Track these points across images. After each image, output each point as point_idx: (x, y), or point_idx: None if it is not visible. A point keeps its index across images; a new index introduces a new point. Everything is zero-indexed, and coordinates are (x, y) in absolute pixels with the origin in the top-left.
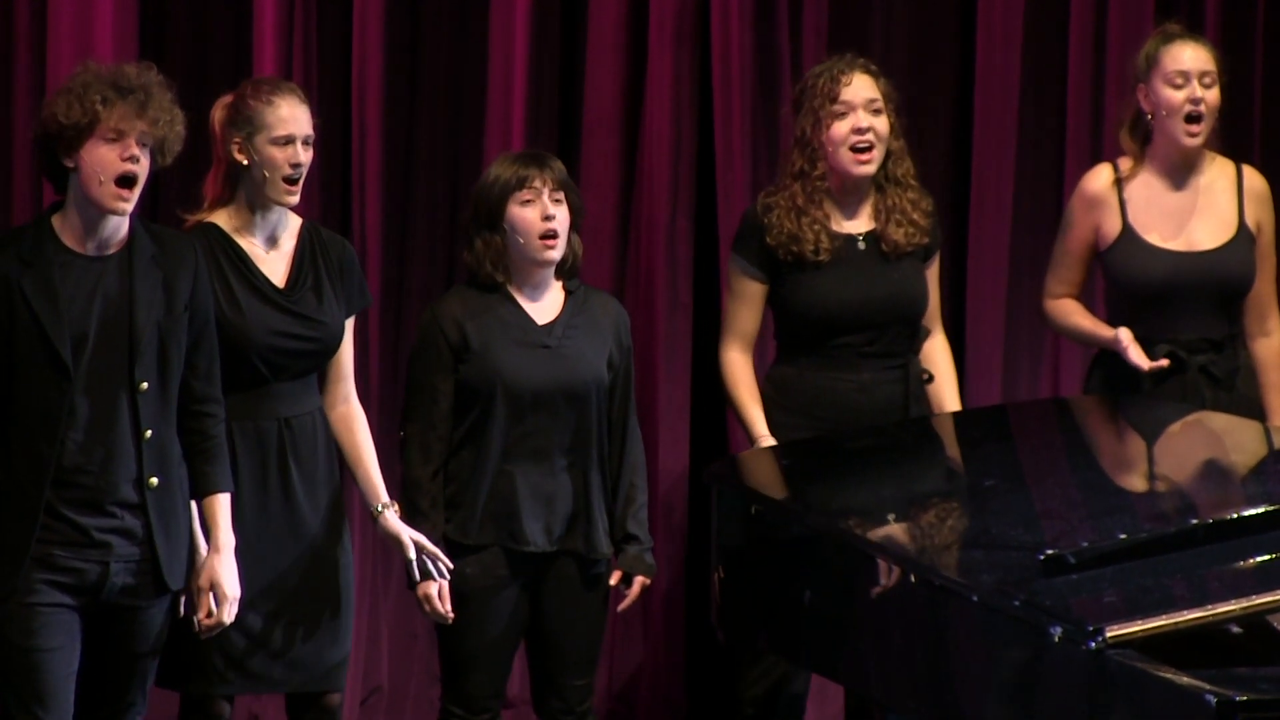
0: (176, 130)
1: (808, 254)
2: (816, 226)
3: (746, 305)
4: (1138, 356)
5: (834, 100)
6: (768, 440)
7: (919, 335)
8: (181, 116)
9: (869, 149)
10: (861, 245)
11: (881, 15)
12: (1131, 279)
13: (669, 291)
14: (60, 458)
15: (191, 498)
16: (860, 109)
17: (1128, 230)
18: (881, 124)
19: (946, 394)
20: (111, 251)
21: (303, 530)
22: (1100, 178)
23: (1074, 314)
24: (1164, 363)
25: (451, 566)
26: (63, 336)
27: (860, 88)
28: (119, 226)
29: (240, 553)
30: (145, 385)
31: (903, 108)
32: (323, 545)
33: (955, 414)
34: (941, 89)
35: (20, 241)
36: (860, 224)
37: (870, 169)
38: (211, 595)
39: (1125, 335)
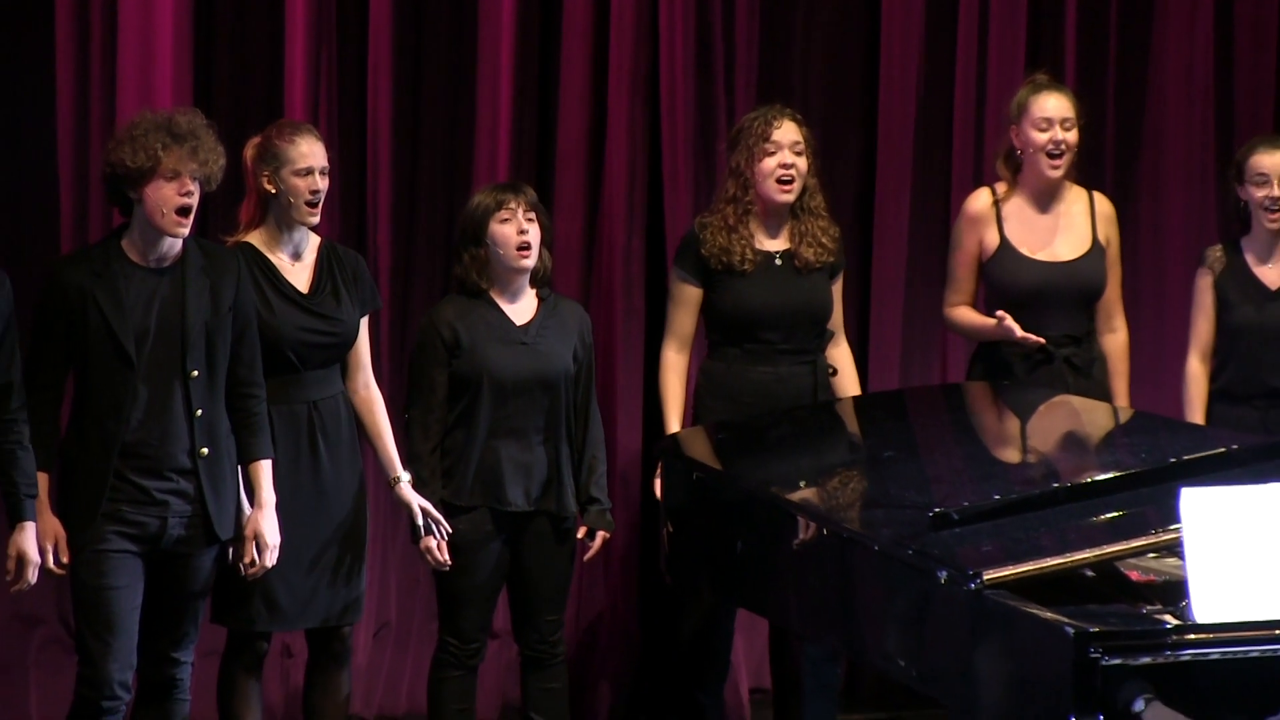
0: (220, 164)
1: (735, 264)
2: (743, 242)
3: (684, 309)
4: (1016, 330)
5: (766, 140)
6: (673, 428)
7: (825, 337)
8: (223, 152)
9: (791, 182)
10: (778, 261)
11: (800, 70)
12: (1007, 285)
13: (625, 299)
14: (125, 434)
15: (238, 464)
16: (786, 149)
17: (1005, 243)
18: (802, 163)
19: (848, 386)
20: (168, 264)
21: (329, 495)
22: (981, 199)
23: (966, 315)
24: (1040, 341)
25: (450, 529)
26: (127, 334)
27: (787, 131)
28: (174, 244)
29: (279, 513)
30: (195, 373)
31: (820, 150)
32: (345, 508)
33: (860, 397)
34: (850, 131)
35: (92, 257)
36: (779, 243)
37: (790, 198)
38: (255, 544)
39: (1004, 316)
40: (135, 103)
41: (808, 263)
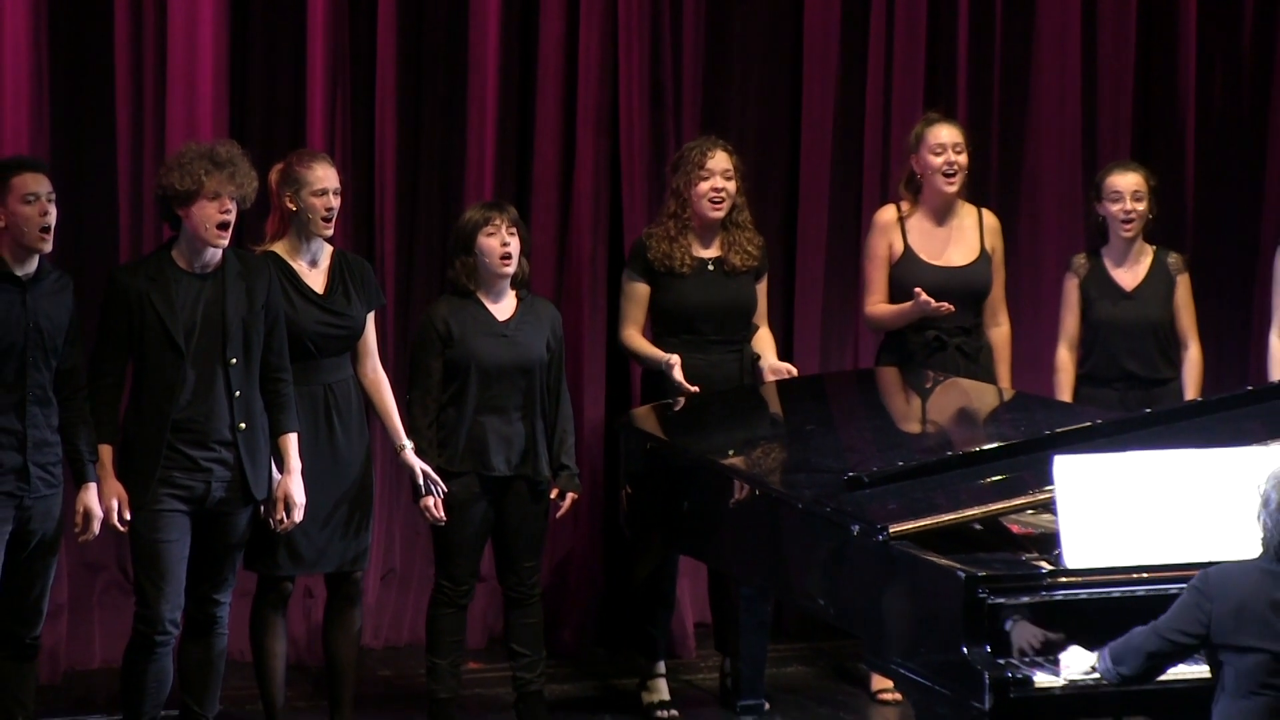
0: (254, 186)
1: (676, 268)
2: (682, 250)
3: (635, 303)
4: (932, 302)
5: (701, 167)
6: (674, 357)
7: (750, 329)
8: (256, 175)
9: (721, 201)
10: (711, 267)
11: (737, 107)
12: (910, 286)
13: (591, 298)
14: (176, 412)
15: (270, 436)
16: (718, 175)
17: (908, 251)
18: (731, 185)
19: (764, 348)
20: (210, 270)
21: (341, 463)
22: (888, 213)
23: (885, 308)
24: (950, 309)
25: (446, 489)
26: (178, 329)
27: (719, 160)
28: (215, 254)
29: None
30: (234, 361)
31: (747, 174)
32: (355, 473)
33: (784, 381)
34: (778, 157)
35: (147, 265)
36: (712, 251)
37: (721, 214)
38: (285, 503)
39: (920, 293)
40: (182, 135)
41: (735, 267)
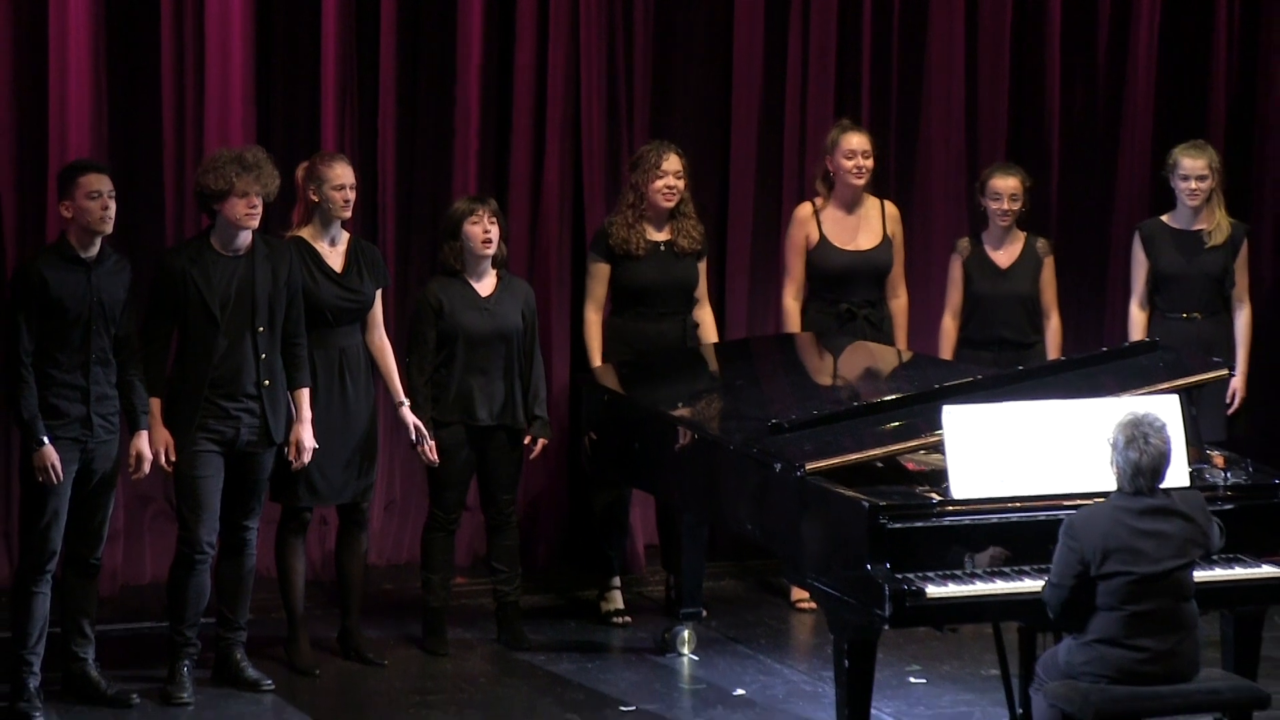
0: (276, 184)
1: (632, 250)
2: (638, 235)
3: (598, 280)
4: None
5: (657, 166)
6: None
7: (692, 302)
8: (278, 174)
9: (674, 194)
10: (662, 249)
11: (680, 114)
12: (824, 268)
13: (558, 276)
14: (212, 371)
15: (288, 390)
16: (670, 174)
17: (823, 238)
18: (681, 183)
19: (709, 336)
20: (241, 253)
21: (351, 414)
22: (805, 209)
23: (793, 314)
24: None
25: (432, 442)
26: (214, 303)
27: (672, 161)
28: (246, 238)
29: (316, 426)
30: (261, 329)
31: (692, 171)
32: (363, 422)
33: (719, 343)
34: (712, 157)
35: (189, 249)
36: (663, 236)
37: (672, 204)
38: (297, 447)
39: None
40: (217, 141)
41: (683, 250)
